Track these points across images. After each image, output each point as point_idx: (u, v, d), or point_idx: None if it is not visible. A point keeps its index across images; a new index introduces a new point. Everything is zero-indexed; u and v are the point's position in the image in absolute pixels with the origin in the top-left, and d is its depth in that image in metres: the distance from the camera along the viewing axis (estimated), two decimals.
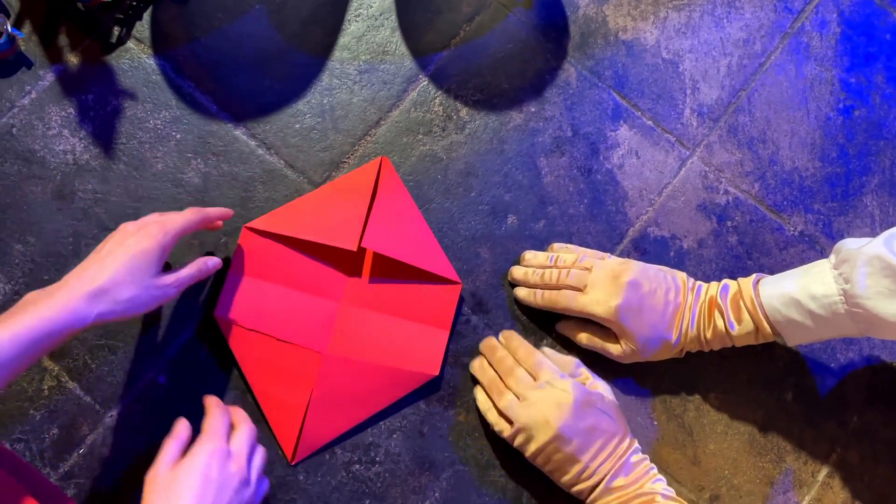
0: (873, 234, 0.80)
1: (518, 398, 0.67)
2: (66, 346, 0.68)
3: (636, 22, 0.82)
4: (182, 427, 0.60)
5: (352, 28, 0.79)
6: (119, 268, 0.54)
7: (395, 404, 0.71)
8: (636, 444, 0.67)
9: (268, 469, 0.68)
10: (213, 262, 0.64)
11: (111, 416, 0.68)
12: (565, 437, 0.63)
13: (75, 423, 0.68)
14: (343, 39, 0.78)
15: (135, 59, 0.75)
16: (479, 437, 0.72)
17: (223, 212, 0.67)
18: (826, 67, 0.83)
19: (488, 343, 0.73)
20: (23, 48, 0.74)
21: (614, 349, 0.70)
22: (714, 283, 0.70)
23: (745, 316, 0.67)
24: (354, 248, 0.69)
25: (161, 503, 0.53)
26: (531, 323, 0.75)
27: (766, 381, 0.76)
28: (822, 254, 0.79)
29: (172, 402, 0.69)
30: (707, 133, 0.81)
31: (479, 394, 0.71)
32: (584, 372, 0.71)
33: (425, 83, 0.78)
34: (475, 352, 0.73)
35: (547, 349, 0.73)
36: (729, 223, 0.79)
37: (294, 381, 0.69)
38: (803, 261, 0.78)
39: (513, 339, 0.72)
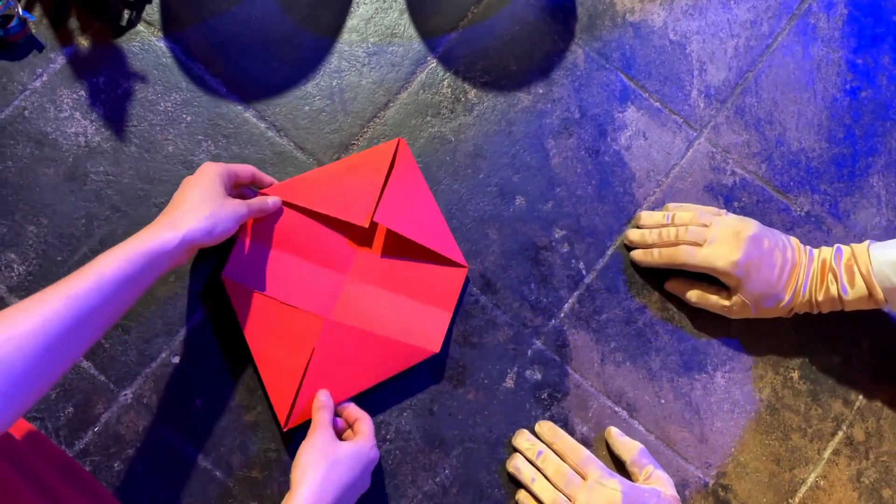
0: (880, 214, 0.80)
1: (568, 499, 0.67)
2: None
3: (644, 4, 0.82)
4: (327, 396, 0.68)
5: (360, 10, 0.79)
6: (191, 196, 0.62)
7: (404, 383, 0.72)
8: None
9: (272, 444, 0.70)
10: (273, 200, 0.69)
11: (125, 394, 0.69)
12: None
13: (90, 402, 0.69)
14: (351, 22, 0.79)
15: (145, 41, 0.76)
16: (488, 415, 0.72)
17: (272, 181, 0.71)
18: (833, 49, 0.84)
19: (524, 439, 0.71)
20: (34, 31, 0.75)
21: (726, 303, 0.72)
22: (826, 248, 0.72)
23: (859, 281, 0.68)
24: (365, 225, 0.69)
25: (322, 465, 0.61)
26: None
27: (772, 360, 0.76)
28: (829, 234, 0.79)
29: (185, 381, 0.70)
30: (714, 114, 0.81)
31: (522, 497, 0.70)
32: (647, 461, 0.70)
33: (434, 65, 0.79)
34: (483, 332, 0.74)
35: (614, 429, 0.72)
36: (736, 204, 0.79)
37: (294, 344, 0.69)
38: (809, 241, 0.79)
39: (554, 433, 0.71)
